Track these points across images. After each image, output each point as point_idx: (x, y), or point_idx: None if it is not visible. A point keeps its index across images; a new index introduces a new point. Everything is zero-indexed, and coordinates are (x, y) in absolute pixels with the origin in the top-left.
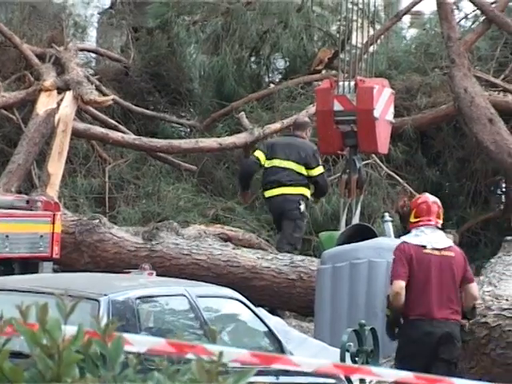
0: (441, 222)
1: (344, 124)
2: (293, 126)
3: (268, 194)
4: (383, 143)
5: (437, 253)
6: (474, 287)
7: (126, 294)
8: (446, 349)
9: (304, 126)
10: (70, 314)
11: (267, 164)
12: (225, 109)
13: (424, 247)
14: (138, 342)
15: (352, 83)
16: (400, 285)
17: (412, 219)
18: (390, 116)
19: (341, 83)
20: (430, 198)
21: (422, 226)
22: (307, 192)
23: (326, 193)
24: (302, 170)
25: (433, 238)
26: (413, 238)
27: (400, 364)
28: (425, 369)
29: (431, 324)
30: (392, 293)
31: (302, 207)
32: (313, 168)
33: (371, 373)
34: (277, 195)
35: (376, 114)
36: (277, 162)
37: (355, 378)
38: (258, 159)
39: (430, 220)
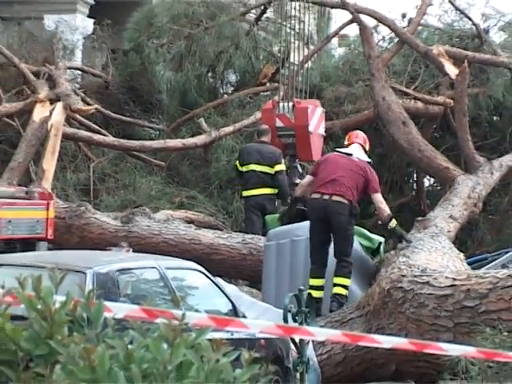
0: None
1: (285, 137)
2: (257, 134)
3: (249, 193)
4: (317, 153)
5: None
6: (374, 197)
7: (108, 267)
8: (333, 217)
9: (267, 132)
10: (60, 284)
11: (244, 169)
12: (187, 115)
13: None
14: (117, 309)
15: (290, 104)
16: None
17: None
18: (321, 130)
19: (281, 104)
20: None
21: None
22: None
23: (285, 189)
24: (273, 170)
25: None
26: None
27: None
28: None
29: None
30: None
31: (276, 203)
32: (278, 164)
33: (307, 333)
34: (257, 195)
35: (310, 129)
36: (253, 167)
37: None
38: (237, 168)
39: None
